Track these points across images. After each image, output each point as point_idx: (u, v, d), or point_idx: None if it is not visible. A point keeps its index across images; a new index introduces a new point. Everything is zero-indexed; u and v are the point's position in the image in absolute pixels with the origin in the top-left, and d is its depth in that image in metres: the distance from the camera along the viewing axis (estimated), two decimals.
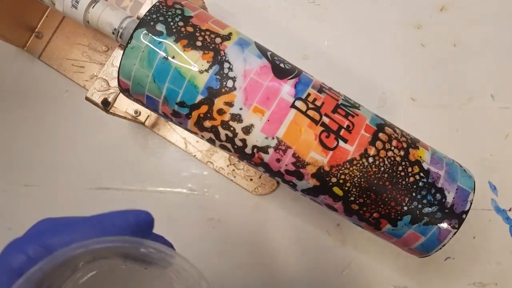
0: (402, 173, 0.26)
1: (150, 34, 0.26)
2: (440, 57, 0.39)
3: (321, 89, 0.27)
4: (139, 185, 0.39)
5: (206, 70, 0.26)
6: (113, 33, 0.29)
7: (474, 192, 0.27)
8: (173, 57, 0.26)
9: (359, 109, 0.28)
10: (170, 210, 0.39)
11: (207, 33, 0.26)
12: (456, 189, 0.27)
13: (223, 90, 0.26)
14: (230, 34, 0.27)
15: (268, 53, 0.28)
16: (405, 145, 0.27)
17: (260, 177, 0.38)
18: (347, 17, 0.40)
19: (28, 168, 0.40)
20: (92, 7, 0.29)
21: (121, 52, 0.27)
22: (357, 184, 0.26)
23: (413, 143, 0.28)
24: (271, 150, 0.26)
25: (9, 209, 0.40)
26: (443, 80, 0.39)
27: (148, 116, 0.38)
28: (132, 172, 0.39)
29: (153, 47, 0.26)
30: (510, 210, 0.37)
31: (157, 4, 0.27)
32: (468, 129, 0.38)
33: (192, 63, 0.26)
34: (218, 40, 0.26)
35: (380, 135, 0.27)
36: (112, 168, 0.40)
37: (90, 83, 0.40)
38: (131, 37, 0.26)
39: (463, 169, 0.28)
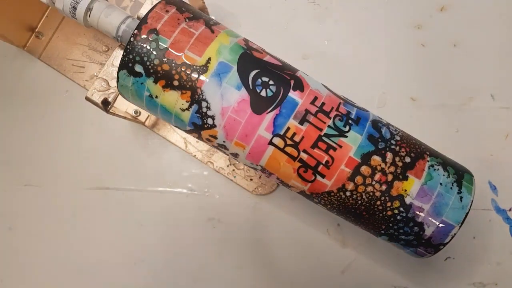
0: (380, 207, 0.26)
1: (131, 76, 0.26)
2: (440, 57, 0.39)
3: (304, 117, 0.26)
4: (139, 185, 0.39)
5: (187, 109, 0.26)
6: (113, 38, 0.29)
7: (461, 226, 0.26)
8: (156, 97, 0.26)
9: (347, 136, 0.26)
10: (170, 210, 0.39)
11: (183, 68, 0.25)
12: (438, 224, 0.26)
13: (205, 126, 0.26)
14: (209, 60, 0.25)
15: (251, 75, 0.26)
16: (390, 177, 0.26)
17: (260, 177, 0.38)
18: (347, 17, 0.40)
19: (28, 168, 0.40)
20: (89, 16, 0.29)
21: (121, 52, 0.27)
22: (336, 208, 0.28)
23: (403, 173, 0.26)
24: (259, 171, 0.28)
25: (9, 209, 0.40)
26: (443, 80, 0.39)
27: (148, 116, 0.38)
28: (132, 172, 0.39)
29: (137, 87, 0.27)
30: (510, 210, 0.37)
31: (131, 40, 0.26)
32: (468, 129, 0.38)
33: (173, 103, 0.26)
34: (194, 76, 0.25)
35: (363, 168, 0.26)
36: (112, 168, 0.40)
37: (90, 83, 0.40)
38: (118, 78, 0.27)
39: (459, 197, 0.26)
